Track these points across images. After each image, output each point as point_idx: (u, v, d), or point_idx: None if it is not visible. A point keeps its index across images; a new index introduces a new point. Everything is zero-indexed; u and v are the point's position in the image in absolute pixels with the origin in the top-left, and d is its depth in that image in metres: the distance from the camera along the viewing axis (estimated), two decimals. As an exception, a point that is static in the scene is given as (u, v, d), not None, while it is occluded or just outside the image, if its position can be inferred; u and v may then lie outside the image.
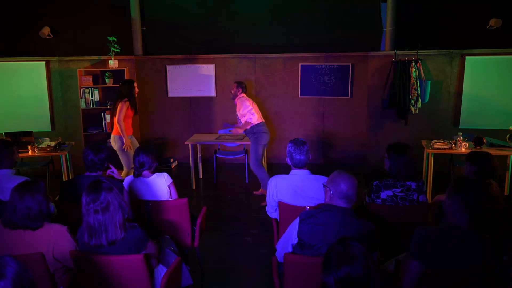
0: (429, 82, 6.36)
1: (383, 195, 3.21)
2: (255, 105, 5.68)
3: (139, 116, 7.41)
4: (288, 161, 3.39)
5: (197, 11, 7.29)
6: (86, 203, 2.40)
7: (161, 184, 3.46)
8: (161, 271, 2.69)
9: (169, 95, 7.39)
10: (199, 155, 6.58)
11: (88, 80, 6.85)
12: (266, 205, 3.51)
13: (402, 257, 2.51)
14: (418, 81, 6.27)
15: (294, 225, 2.53)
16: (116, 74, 6.84)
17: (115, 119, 5.38)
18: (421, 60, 6.35)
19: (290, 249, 2.55)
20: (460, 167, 5.64)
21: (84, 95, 6.83)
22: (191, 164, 6.09)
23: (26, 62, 7.00)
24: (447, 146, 5.38)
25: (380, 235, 2.75)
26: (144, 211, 3.34)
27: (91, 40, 7.30)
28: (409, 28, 6.82)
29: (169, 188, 3.50)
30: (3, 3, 7.19)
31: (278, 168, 6.89)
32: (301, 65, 7.08)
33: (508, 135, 5.38)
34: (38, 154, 5.52)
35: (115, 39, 6.69)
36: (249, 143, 6.06)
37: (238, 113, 5.65)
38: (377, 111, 6.81)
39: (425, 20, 6.85)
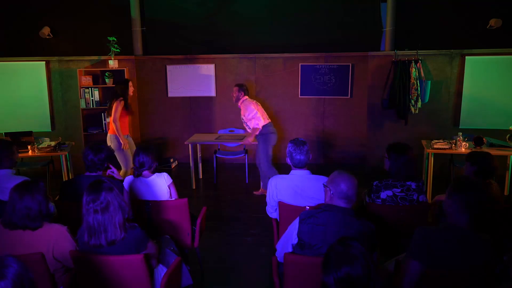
0: (429, 82, 6.36)
1: (383, 195, 3.21)
2: (259, 107, 5.65)
3: (139, 116, 7.42)
4: (288, 161, 3.39)
5: (197, 11, 7.29)
6: (86, 202, 2.41)
7: (161, 184, 3.47)
8: (161, 271, 2.69)
9: (169, 95, 7.39)
10: (199, 155, 6.58)
11: (88, 80, 6.85)
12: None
13: (402, 257, 2.52)
14: (418, 81, 6.27)
15: (294, 225, 2.53)
16: (116, 74, 6.84)
17: (111, 119, 5.40)
18: (421, 60, 6.35)
19: (290, 249, 2.55)
20: (460, 167, 5.64)
21: (84, 95, 6.83)
22: (191, 164, 6.09)
23: (26, 62, 7.00)
24: (447, 146, 5.38)
25: (380, 235, 2.75)
26: (144, 211, 3.34)
27: (91, 40, 7.31)
28: (409, 28, 6.82)
29: (169, 188, 3.50)
30: (3, 3, 7.19)
31: (278, 168, 6.85)
32: (301, 65, 7.08)
33: (508, 135, 5.38)
34: (38, 154, 5.52)
35: (115, 39, 6.69)
36: (248, 143, 6.07)
37: (243, 117, 5.61)
38: (377, 111, 6.81)
39: (425, 20, 6.85)
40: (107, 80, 6.83)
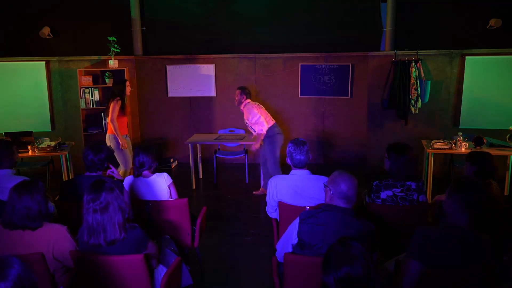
0: (429, 82, 6.36)
1: (383, 195, 3.21)
2: (262, 109, 5.61)
3: (139, 116, 7.42)
4: (288, 161, 3.39)
5: (197, 11, 7.29)
6: (87, 202, 2.41)
7: (161, 184, 3.46)
8: (161, 271, 2.69)
9: (169, 95, 7.39)
10: (199, 155, 6.58)
11: (88, 80, 6.85)
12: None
13: (402, 257, 2.51)
14: (418, 81, 6.27)
15: (294, 225, 2.53)
16: (116, 74, 6.84)
17: (109, 119, 5.41)
18: (421, 60, 6.35)
19: (290, 249, 2.55)
20: (460, 167, 5.64)
21: (84, 95, 6.83)
22: (191, 164, 6.09)
23: (26, 62, 7.00)
24: (447, 146, 5.38)
25: (380, 235, 2.74)
26: (144, 211, 3.34)
27: (91, 40, 7.31)
28: (409, 28, 6.82)
29: (169, 188, 3.50)
30: (3, 3, 7.19)
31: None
32: (301, 65, 7.08)
33: (508, 135, 5.38)
34: (38, 154, 5.52)
35: (115, 39, 6.69)
36: (249, 143, 6.07)
37: (247, 121, 5.57)
38: (377, 111, 6.81)
39: (425, 20, 6.85)
40: (107, 80, 6.83)
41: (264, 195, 4.95)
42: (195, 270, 3.62)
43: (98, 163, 3.39)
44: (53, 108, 7.14)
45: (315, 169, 3.97)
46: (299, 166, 3.33)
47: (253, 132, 5.63)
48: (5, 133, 5.94)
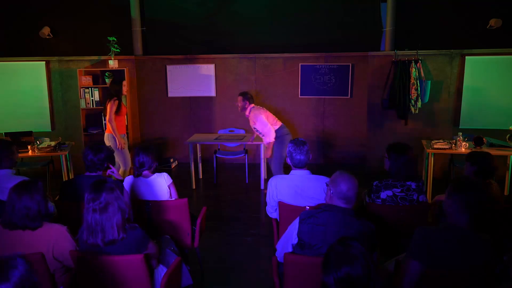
0: (429, 82, 6.36)
1: (383, 195, 3.21)
2: (268, 113, 5.58)
3: (139, 116, 7.42)
4: (288, 161, 3.39)
5: (197, 11, 7.29)
6: (87, 201, 2.42)
7: (161, 184, 3.46)
8: (161, 271, 2.69)
9: (169, 95, 7.39)
10: (199, 155, 6.58)
11: (88, 80, 6.85)
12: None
13: (402, 257, 2.51)
14: (418, 81, 6.27)
15: (294, 225, 2.53)
16: (116, 74, 6.84)
17: (107, 119, 5.43)
18: (421, 60, 6.35)
19: (290, 249, 2.55)
20: (460, 167, 5.64)
21: (84, 95, 6.83)
22: (191, 164, 6.09)
23: (26, 62, 7.00)
24: (447, 146, 5.38)
25: (380, 235, 2.74)
26: (144, 211, 3.34)
27: (91, 40, 7.31)
28: (409, 28, 6.82)
29: (169, 188, 3.50)
30: (3, 3, 7.19)
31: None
32: (301, 65, 7.08)
33: (508, 135, 5.38)
34: (38, 154, 5.52)
35: (115, 39, 6.69)
36: (249, 143, 6.08)
37: (254, 126, 5.55)
38: (377, 111, 6.81)
39: (425, 20, 6.85)
40: (107, 80, 6.83)
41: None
42: (195, 270, 3.62)
43: (98, 163, 3.40)
44: (53, 108, 7.14)
45: (315, 169, 3.97)
46: (299, 166, 3.33)
47: (261, 136, 5.61)
48: (5, 133, 5.94)
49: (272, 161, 5.60)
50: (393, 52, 6.54)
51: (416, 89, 6.27)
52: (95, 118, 6.97)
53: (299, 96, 7.20)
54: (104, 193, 2.40)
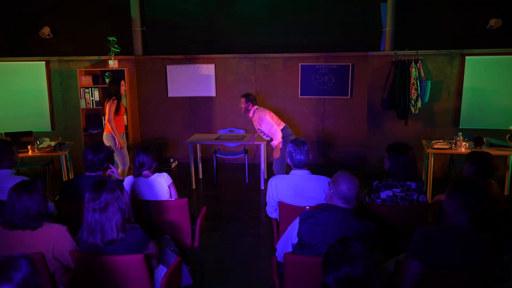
0: (429, 82, 6.36)
1: (383, 195, 3.21)
2: (271, 114, 5.57)
3: (139, 116, 7.42)
4: (288, 161, 3.39)
5: (197, 11, 7.29)
6: (87, 200, 2.43)
7: (161, 184, 3.46)
8: (161, 271, 2.69)
9: (169, 95, 7.39)
10: (199, 155, 6.58)
11: (88, 80, 6.85)
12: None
13: (402, 257, 2.51)
14: (418, 81, 6.27)
15: (294, 225, 2.53)
16: (116, 74, 6.84)
17: (105, 119, 5.43)
18: (421, 60, 6.35)
19: (290, 249, 2.55)
20: (460, 167, 5.64)
21: (84, 95, 6.83)
22: (191, 164, 6.09)
23: (26, 62, 7.00)
24: (447, 146, 5.38)
25: (380, 235, 2.74)
26: (144, 211, 3.34)
27: (91, 40, 7.31)
28: (409, 28, 6.82)
29: (169, 188, 3.50)
30: (3, 3, 7.19)
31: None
32: (301, 65, 7.08)
33: (508, 135, 5.38)
34: (38, 154, 5.52)
35: (115, 39, 6.69)
36: (249, 143, 6.08)
37: (259, 128, 5.54)
38: (377, 111, 6.81)
39: (425, 20, 6.85)
40: (107, 80, 6.82)
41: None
42: (195, 270, 3.62)
43: (97, 163, 3.40)
44: (53, 108, 7.14)
45: (315, 169, 3.97)
46: (299, 166, 3.33)
47: (265, 138, 5.61)
48: (5, 133, 5.94)
49: (274, 161, 5.60)
50: (393, 52, 6.54)
51: (416, 89, 6.27)
52: (95, 118, 6.97)
53: (299, 96, 7.20)
54: (105, 193, 2.40)
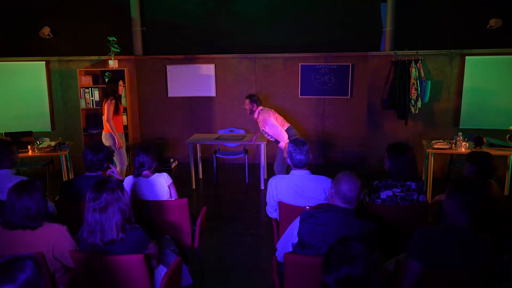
0: (429, 82, 6.36)
1: (383, 195, 3.21)
2: (276, 114, 5.58)
3: (139, 116, 7.42)
4: (288, 161, 3.39)
5: (197, 11, 7.29)
6: (88, 200, 2.43)
7: (161, 184, 3.46)
8: (161, 271, 2.69)
9: (169, 95, 7.39)
10: (199, 155, 6.58)
11: (88, 80, 6.85)
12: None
13: (402, 257, 2.51)
14: (418, 81, 6.27)
15: (295, 225, 2.53)
16: (116, 74, 6.84)
17: (104, 118, 5.43)
18: (421, 60, 6.35)
19: (290, 249, 2.55)
20: (460, 167, 5.64)
21: (84, 95, 6.84)
22: (191, 164, 6.09)
23: (26, 62, 6.99)
24: (447, 146, 5.38)
25: (380, 235, 2.74)
26: (144, 211, 3.34)
27: (91, 40, 7.31)
28: (409, 28, 6.82)
29: (169, 188, 3.50)
30: (3, 3, 7.19)
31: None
32: (301, 65, 7.08)
33: (508, 135, 5.38)
34: (38, 154, 5.52)
35: (115, 39, 6.69)
36: (249, 143, 6.08)
37: (264, 129, 5.54)
38: (377, 111, 6.81)
39: (425, 20, 6.85)
40: (107, 80, 6.82)
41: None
42: (195, 270, 3.62)
43: (97, 163, 3.40)
44: (53, 108, 7.14)
45: (315, 169, 3.97)
46: (299, 166, 3.33)
47: (269, 138, 5.61)
48: (5, 133, 5.94)
49: (276, 161, 5.61)
50: (393, 52, 6.54)
51: (416, 89, 6.27)
52: (95, 118, 6.97)
53: (299, 96, 7.20)
54: (105, 193, 2.41)
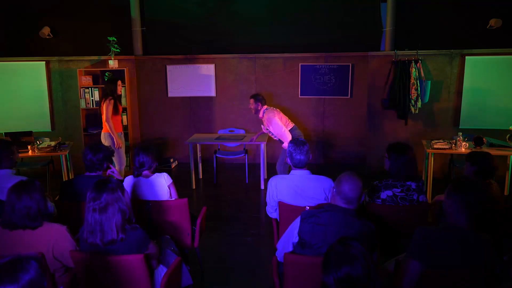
0: (429, 82, 6.36)
1: (383, 195, 3.21)
2: (281, 114, 5.58)
3: (139, 116, 7.42)
4: (288, 161, 3.39)
5: (197, 11, 7.29)
6: (88, 200, 2.43)
7: (161, 184, 3.46)
8: (161, 271, 2.69)
9: (169, 95, 7.39)
10: (199, 155, 6.58)
11: (88, 80, 6.85)
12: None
13: (402, 257, 2.52)
14: (418, 81, 6.27)
15: (295, 224, 2.53)
16: (116, 74, 6.84)
17: (103, 118, 5.43)
18: (421, 60, 6.35)
19: (291, 248, 2.55)
20: (460, 167, 5.64)
21: (84, 95, 6.84)
22: (191, 164, 6.09)
23: (26, 62, 7.00)
24: (447, 146, 5.38)
25: (380, 235, 2.74)
26: (144, 211, 3.34)
27: (91, 40, 7.31)
28: (409, 28, 6.82)
29: (169, 188, 3.50)
30: (3, 3, 7.19)
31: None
32: (301, 65, 7.08)
33: (508, 135, 5.38)
34: (38, 154, 5.52)
35: (115, 39, 6.69)
36: (249, 143, 6.08)
37: (268, 129, 5.55)
38: (377, 111, 6.81)
39: (425, 20, 6.85)
40: (106, 80, 6.83)
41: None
42: (195, 270, 3.62)
43: (97, 163, 3.41)
44: (53, 108, 7.14)
45: (315, 169, 3.97)
46: (299, 166, 3.33)
47: (274, 138, 5.62)
48: (5, 133, 5.94)
49: (278, 161, 5.61)
50: (393, 52, 6.54)
51: (416, 89, 6.27)
52: (95, 118, 6.96)
53: (299, 96, 7.20)
54: (105, 194, 2.41)
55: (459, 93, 6.50)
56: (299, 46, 7.17)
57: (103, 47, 6.78)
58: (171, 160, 7.31)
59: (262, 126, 5.85)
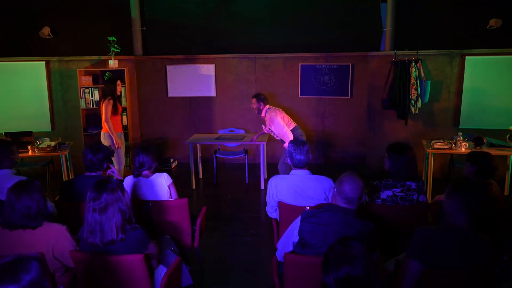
0: (429, 82, 6.36)
1: (383, 195, 3.21)
2: (283, 114, 5.59)
3: (139, 116, 7.42)
4: (288, 161, 3.39)
5: (197, 11, 7.29)
6: (88, 200, 2.43)
7: (161, 184, 3.46)
8: (161, 271, 2.69)
9: (169, 95, 7.39)
10: (199, 155, 6.58)
11: (88, 80, 6.85)
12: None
13: (402, 257, 2.51)
14: (418, 81, 6.27)
15: (296, 224, 2.53)
16: (116, 74, 6.84)
17: (103, 118, 5.44)
18: (421, 60, 6.35)
19: (291, 248, 2.55)
20: (460, 167, 5.64)
21: (84, 95, 6.84)
22: (191, 164, 6.09)
23: (26, 62, 7.00)
24: (447, 146, 5.38)
25: (380, 235, 2.74)
26: (144, 211, 3.34)
27: (91, 40, 7.31)
28: (409, 28, 6.82)
29: (169, 188, 3.50)
30: (3, 3, 7.19)
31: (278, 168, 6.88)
32: (301, 65, 7.08)
33: (508, 135, 5.38)
34: (38, 154, 5.52)
35: (115, 39, 6.69)
36: (249, 143, 6.08)
37: (271, 128, 5.55)
38: (377, 111, 6.81)
39: (425, 20, 6.85)
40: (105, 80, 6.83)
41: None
42: (195, 270, 3.62)
43: (97, 163, 3.41)
44: (53, 108, 7.14)
45: (315, 169, 3.97)
46: (299, 166, 3.33)
47: (276, 137, 5.63)
48: (5, 133, 5.94)
49: (280, 161, 5.61)
50: (393, 52, 6.54)
51: (416, 89, 6.27)
52: (95, 118, 6.97)
53: (299, 96, 7.20)
54: (105, 194, 2.41)
55: (459, 93, 6.50)
56: (299, 46, 7.17)
57: (103, 47, 6.78)
58: (171, 160, 7.31)
59: (263, 126, 5.86)
